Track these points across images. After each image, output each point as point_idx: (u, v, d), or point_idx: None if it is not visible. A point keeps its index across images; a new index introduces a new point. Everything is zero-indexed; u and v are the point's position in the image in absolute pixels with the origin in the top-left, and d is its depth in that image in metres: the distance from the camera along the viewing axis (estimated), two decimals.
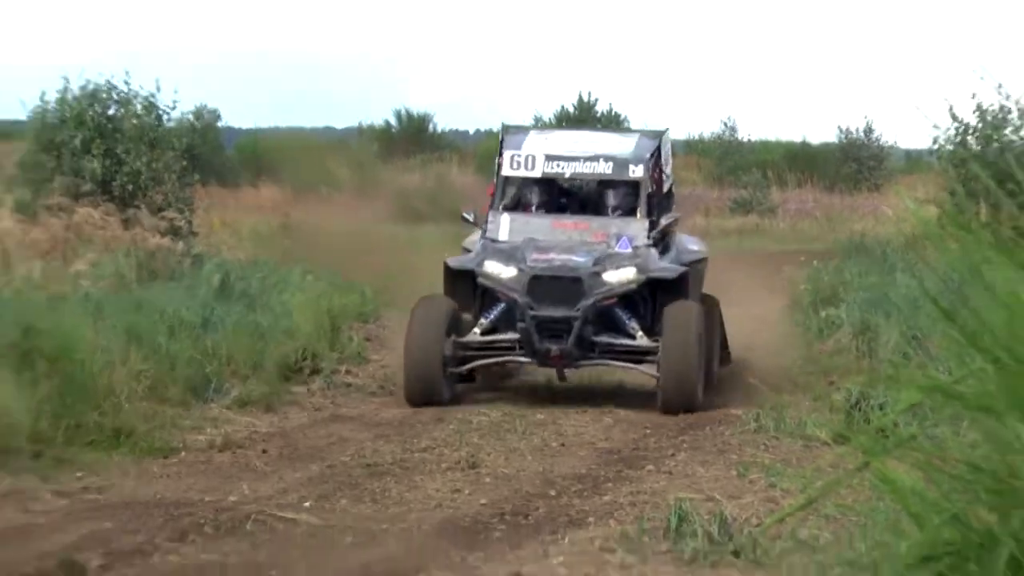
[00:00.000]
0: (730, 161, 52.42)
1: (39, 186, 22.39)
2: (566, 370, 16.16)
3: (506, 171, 16.84)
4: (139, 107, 23.13)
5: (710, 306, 16.89)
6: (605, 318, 15.70)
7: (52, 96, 23.01)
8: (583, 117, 49.62)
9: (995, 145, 26.44)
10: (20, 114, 24.61)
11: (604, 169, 16.70)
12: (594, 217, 16.63)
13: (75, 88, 22.99)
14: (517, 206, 16.85)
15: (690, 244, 17.45)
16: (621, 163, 16.63)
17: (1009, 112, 26.40)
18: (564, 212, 16.89)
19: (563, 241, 16.09)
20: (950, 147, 27.44)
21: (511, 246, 15.96)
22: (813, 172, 51.25)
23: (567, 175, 16.94)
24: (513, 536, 10.52)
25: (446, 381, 15.57)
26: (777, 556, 9.43)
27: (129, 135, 22.67)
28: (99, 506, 11.07)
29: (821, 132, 59.09)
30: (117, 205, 21.96)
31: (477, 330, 15.91)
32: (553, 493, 11.93)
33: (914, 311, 15.81)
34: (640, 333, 15.62)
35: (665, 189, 17.11)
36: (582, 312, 15.37)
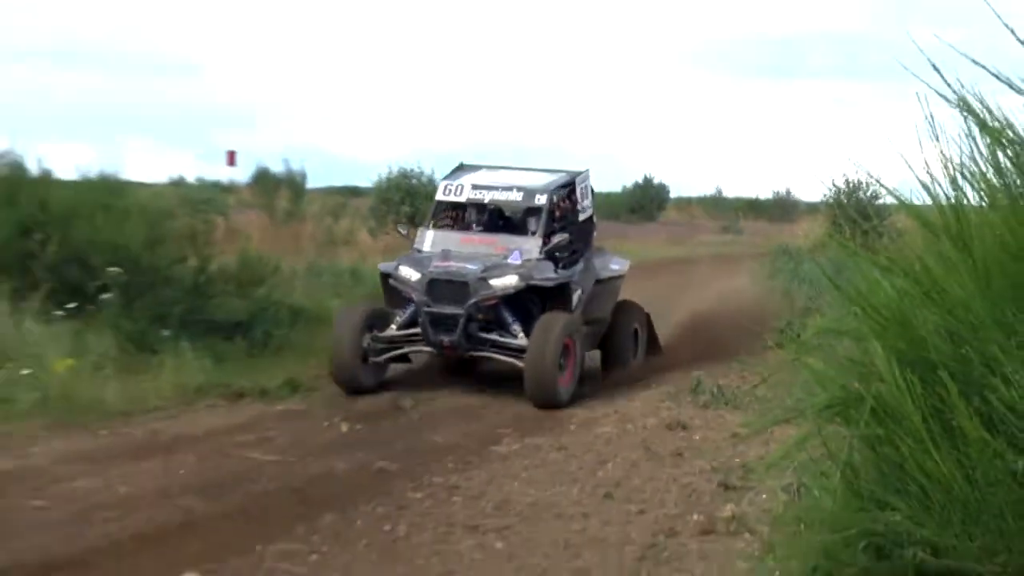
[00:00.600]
0: (718, 207, 51.91)
1: (379, 220, 22.86)
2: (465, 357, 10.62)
3: (439, 196, 11.32)
4: (426, 180, 23.44)
5: (628, 312, 11.67)
6: (494, 317, 10.29)
7: (384, 175, 23.56)
8: (646, 187, 48.27)
9: (855, 199, 26.04)
10: (368, 183, 25.22)
11: (516, 197, 11.00)
12: (499, 234, 11.00)
13: (394, 171, 23.49)
14: (464, 226, 11.27)
15: (612, 264, 11.67)
16: (529, 193, 10.94)
17: (863, 182, 25.98)
18: (501, 232, 11.07)
19: (468, 253, 10.64)
20: (832, 199, 27.09)
21: (426, 255, 10.65)
22: (761, 213, 50.72)
23: (486, 201, 11.06)
24: (615, 392, 10.44)
25: (367, 370, 10.24)
26: (747, 403, 9.38)
27: (422, 195, 22.95)
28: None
29: (763, 192, 58.86)
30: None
31: (394, 325, 10.42)
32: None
33: (814, 283, 15.55)
34: (521, 333, 10.16)
35: (582, 218, 11.27)
36: (466, 310, 10.02)
